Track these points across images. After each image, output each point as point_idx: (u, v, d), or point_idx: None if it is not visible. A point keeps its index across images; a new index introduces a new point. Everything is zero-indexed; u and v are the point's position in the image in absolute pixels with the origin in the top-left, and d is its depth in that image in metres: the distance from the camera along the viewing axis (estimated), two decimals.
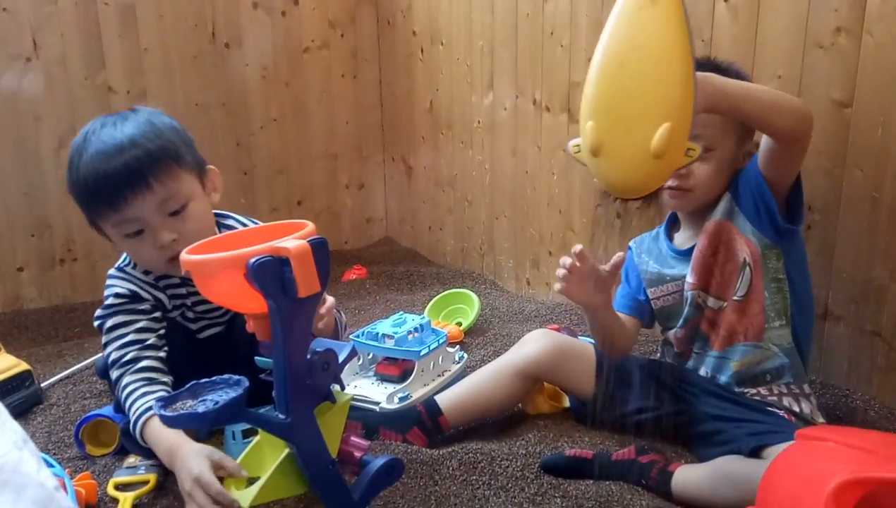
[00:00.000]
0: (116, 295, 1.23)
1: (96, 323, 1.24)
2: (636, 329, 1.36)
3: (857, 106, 1.26)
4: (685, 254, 1.26)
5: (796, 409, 1.17)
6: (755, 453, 1.04)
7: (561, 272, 1.23)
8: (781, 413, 1.14)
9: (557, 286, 1.24)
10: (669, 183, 1.18)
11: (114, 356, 1.18)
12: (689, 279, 1.23)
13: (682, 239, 1.30)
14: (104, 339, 1.22)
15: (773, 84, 1.34)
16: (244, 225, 1.33)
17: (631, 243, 1.38)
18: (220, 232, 1.29)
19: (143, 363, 1.17)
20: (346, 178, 2.58)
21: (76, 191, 1.17)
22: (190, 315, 1.29)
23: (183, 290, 1.27)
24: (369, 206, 2.66)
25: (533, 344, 1.33)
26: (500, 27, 1.97)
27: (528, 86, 1.92)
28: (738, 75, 1.21)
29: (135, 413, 1.12)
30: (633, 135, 0.91)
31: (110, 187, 1.12)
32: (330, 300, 1.19)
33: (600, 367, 1.30)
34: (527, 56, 1.90)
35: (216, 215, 1.30)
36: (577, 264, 1.22)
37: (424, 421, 1.27)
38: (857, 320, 1.32)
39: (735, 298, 1.20)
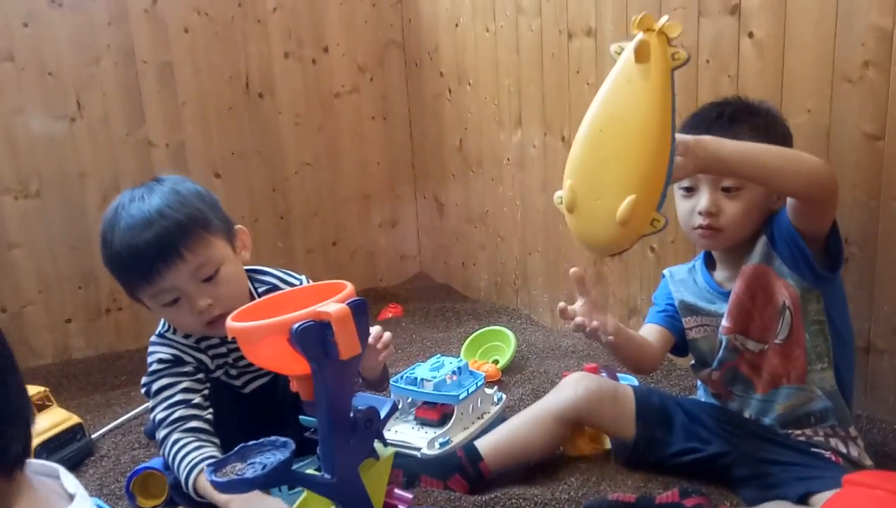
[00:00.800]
0: (160, 361, 1.26)
1: (143, 390, 1.28)
2: (666, 343, 1.33)
3: (890, 138, 1.25)
4: (725, 295, 1.24)
5: (843, 450, 1.15)
6: (803, 499, 1.03)
7: (578, 313, 1.18)
8: (828, 454, 1.12)
9: (576, 324, 1.18)
10: (700, 222, 1.19)
11: (160, 415, 1.21)
12: (725, 323, 1.22)
13: (721, 277, 1.27)
14: (151, 403, 1.25)
15: (802, 118, 1.34)
16: (280, 278, 1.36)
17: (665, 272, 1.37)
18: (256, 287, 1.32)
19: (191, 423, 1.20)
20: (379, 217, 2.62)
21: (111, 266, 1.21)
22: (233, 372, 1.33)
23: (223, 349, 1.30)
24: (403, 244, 2.69)
25: (572, 388, 1.33)
26: (527, 66, 2.00)
27: (556, 123, 1.94)
28: (767, 114, 1.21)
29: (187, 465, 1.15)
30: (603, 200, 0.96)
31: (143, 261, 1.16)
32: (387, 335, 1.21)
33: (641, 409, 1.29)
34: (554, 94, 1.93)
35: (251, 271, 1.33)
36: (581, 296, 1.20)
37: (465, 468, 1.28)
38: None
39: (777, 341, 1.18)
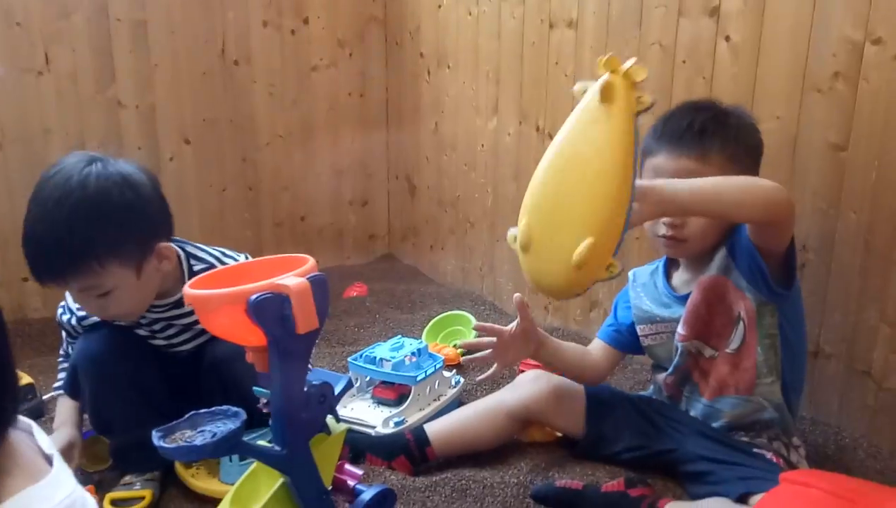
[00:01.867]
0: (70, 317, 1.33)
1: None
2: (613, 359, 1.40)
3: (853, 149, 1.28)
4: (681, 300, 1.26)
5: (784, 453, 1.18)
6: (742, 498, 1.06)
7: (487, 350, 1.31)
8: (769, 455, 1.15)
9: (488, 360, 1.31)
10: (664, 232, 1.21)
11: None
12: (681, 330, 1.24)
13: (679, 281, 1.30)
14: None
15: (771, 124, 1.36)
16: (218, 258, 1.31)
17: (630, 273, 1.39)
18: (192, 265, 1.28)
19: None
20: (349, 195, 2.61)
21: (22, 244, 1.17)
22: (159, 342, 1.33)
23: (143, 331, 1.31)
24: (372, 224, 2.68)
25: (526, 388, 1.35)
26: (507, 53, 2.00)
27: (532, 113, 1.94)
28: (739, 118, 1.22)
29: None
30: (558, 241, 0.93)
31: (33, 269, 1.15)
32: None
33: (591, 408, 1.31)
34: (532, 83, 1.93)
35: (190, 249, 1.30)
36: (496, 338, 1.31)
37: (412, 450, 1.29)
38: (847, 359, 1.34)
39: (728, 350, 1.20)
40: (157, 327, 1.30)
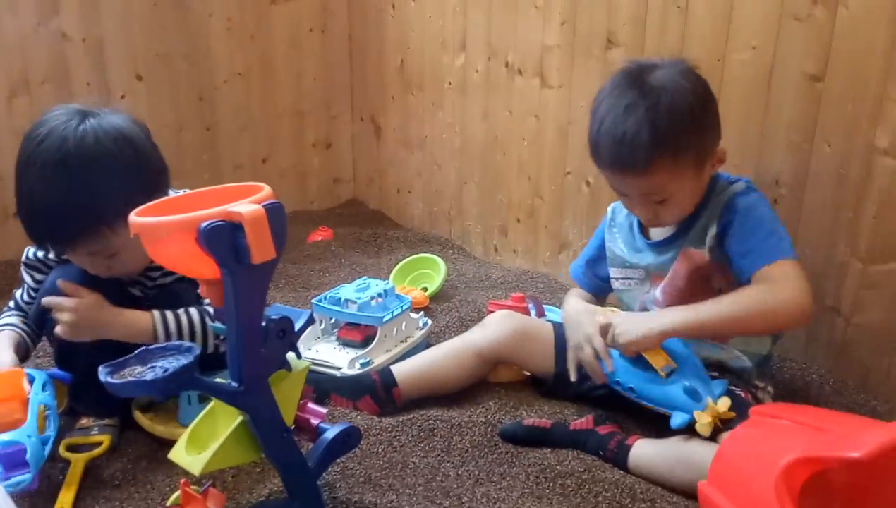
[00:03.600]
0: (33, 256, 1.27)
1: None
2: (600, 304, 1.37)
3: (829, 80, 1.25)
4: (654, 247, 1.24)
5: (752, 391, 1.17)
6: (712, 436, 1.04)
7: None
8: (738, 390, 1.14)
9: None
10: (641, 217, 1.22)
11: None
12: (658, 296, 1.22)
13: (655, 229, 1.26)
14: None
15: (747, 55, 1.32)
16: None
17: (609, 208, 1.35)
18: None
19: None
20: (312, 137, 2.52)
21: (17, 211, 1.13)
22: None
23: None
24: (336, 166, 2.61)
25: (495, 327, 1.33)
26: None
27: (501, 49, 1.88)
28: (671, 95, 1.10)
29: None
30: None
31: (36, 236, 1.12)
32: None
33: (560, 348, 1.29)
34: (501, 16, 1.86)
35: None
36: None
37: (378, 391, 1.26)
38: (817, 295, 1.32)
39: None
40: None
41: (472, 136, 2.05)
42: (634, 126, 1.09)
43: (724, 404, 1.03)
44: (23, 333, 1.25)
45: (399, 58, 2.26)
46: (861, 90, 1.21)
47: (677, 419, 1.06)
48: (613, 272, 1.31)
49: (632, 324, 1.12)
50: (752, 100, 1.32)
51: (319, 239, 2.26)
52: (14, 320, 1.27)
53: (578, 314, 1.25)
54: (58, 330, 1.12)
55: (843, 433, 0.81)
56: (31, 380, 1.10)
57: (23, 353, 1.23)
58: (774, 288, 1.06)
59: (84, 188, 1.06)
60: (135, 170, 1.11)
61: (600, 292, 1.37)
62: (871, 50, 1.19)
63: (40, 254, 1.25)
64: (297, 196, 2.52)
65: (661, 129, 1.08)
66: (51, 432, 1.07)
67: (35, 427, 1.03)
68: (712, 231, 1.16)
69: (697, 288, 1.18)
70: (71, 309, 1.11)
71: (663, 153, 1.09)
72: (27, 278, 1.28)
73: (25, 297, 1.29)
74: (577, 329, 1.23)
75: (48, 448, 1.05)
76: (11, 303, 1.30)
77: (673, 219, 1.18)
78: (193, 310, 1.18)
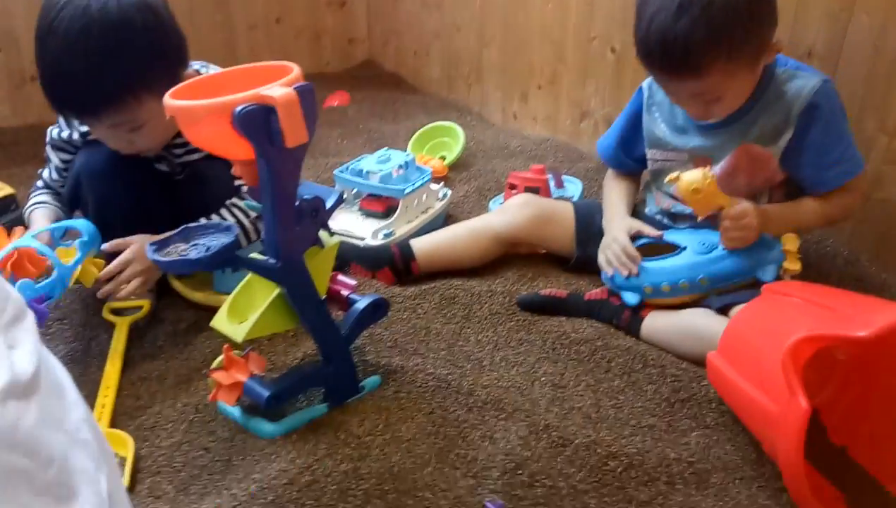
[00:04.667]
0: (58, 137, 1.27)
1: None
2: (636, 186, 1.36)
3: None
4: (703, 129, 1.20)
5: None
6: (723, 310, 1.09)
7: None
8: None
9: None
10: (689, 113, 1.18)
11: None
12: None
13: None
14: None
15: None
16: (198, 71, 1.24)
17: (645, 83, 1.29)
18: None
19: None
20: None
21: (39, 79, 1.11)
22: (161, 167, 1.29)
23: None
24: (352, 26, 2.53)
25: (516, 211, 1.34)
26: None
27: None
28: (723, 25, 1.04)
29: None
30: None
31: (60, 106, 1.12)
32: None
33: (581, 230, 1.31)
34: None
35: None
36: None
37: (396, 263, 1.31)
38: None
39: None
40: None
41: None
42: (687, 26, 1.03)
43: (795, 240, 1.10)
44: (55, 207, 1.29)
45: None
46: None
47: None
48: (651, 153, 1.27)
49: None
50: None
51: (336, 104, 2.24)
52: (45, 197, 1.30)
53: (611, 216, 1.27)
54: (124, 293, 1.15)
55: (851, 313, 0.85)
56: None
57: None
58: (853, 199, 1.17)
59: (109, 54, 1.05)
60: (158, 37, 1.11)
61: (634, 172, 1.35)
62: None
63: (64, 134, 1.26)
64: (311, 57, 2.48)
65: (715, 30, 1.02)
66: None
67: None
68: (787, 133, 1.13)
69: (753, 179, 1.17)
70: (127, 279, 1.14)
71: (717, 55, 1.04)
72: (54, 158, 1.29)
73: (54, 176, 1.31)
74: (607, 230, 1.25)
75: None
76: (39, 183, 1.33)
77: (724, 114, 1.15)
78: (227, 214, 1.22)
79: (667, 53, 1.06)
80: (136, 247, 1.15)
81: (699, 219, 1.14)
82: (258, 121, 0.77)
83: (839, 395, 0.95)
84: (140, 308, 1.22)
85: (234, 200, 1.23)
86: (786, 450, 0.77)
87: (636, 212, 1.33)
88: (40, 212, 1.26)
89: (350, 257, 1.31)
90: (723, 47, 1.04)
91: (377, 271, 1.30)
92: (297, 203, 0.86)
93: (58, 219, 1.26)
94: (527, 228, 1.33)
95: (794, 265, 1.10)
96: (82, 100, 1.09)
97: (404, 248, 1.32)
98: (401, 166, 1.48)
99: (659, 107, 1.26)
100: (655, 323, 1.15)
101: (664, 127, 1.25)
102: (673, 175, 1.12)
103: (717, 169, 1.19)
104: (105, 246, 1.16)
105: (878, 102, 1.26)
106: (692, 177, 1.09)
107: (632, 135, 1.31)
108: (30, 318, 0.48)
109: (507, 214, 1.35)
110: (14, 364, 0.44)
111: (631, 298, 1.17)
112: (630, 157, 1.33)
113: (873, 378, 0.91)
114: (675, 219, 1.27)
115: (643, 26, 1.08)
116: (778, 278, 1.10)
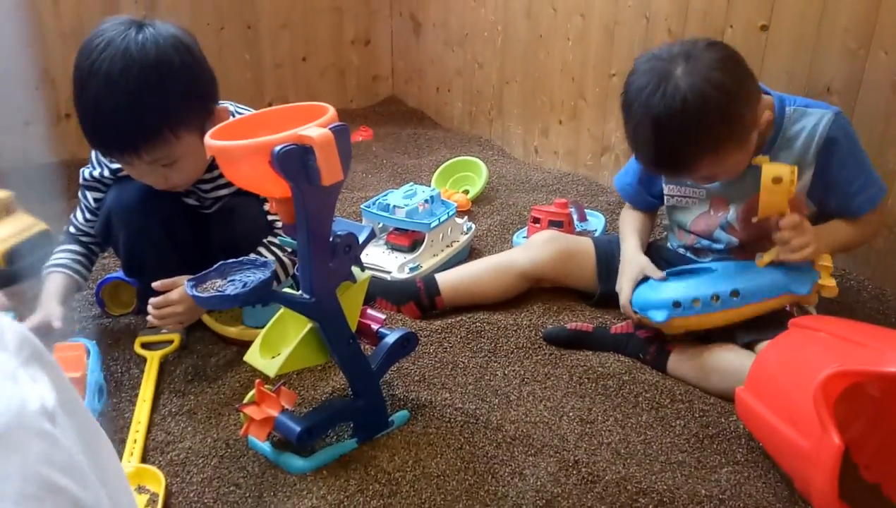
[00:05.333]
0: (90, 175, 1.30)
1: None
2: (653, 221, 1.37)
3: None
4: None
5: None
6: (749, 345, 1.09)
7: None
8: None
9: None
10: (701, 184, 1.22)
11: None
12: (736, 226, 1.22)
13: None
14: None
15: None
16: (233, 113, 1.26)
17: None
18: None
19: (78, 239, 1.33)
20: (352, 33, 2.49)
21: (77, 112, 1.14)
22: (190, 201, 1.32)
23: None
24: (375, 64, 2.59)
25: (540, 249, 1.35)
26: None
27: None
28: (703, 101, 1.04)
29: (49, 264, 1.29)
30: None
31: (101, 144, 1.16)
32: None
33: (602, 266, 1.33)
34: None
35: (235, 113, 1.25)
36: None
37: (421, 298, 1.32)
38: None
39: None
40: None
41: (515, 34, 2.02)
42: (669, 139, 1.06)
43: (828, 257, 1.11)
44: (72, 272, 1.29)
45: None
46: None
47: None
48: (669, 190, 1.29)
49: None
50: (809, 3, 1.28)
51: (360, 139, 2.28)
52: (65, 258, 1.30)
53: (624, 260, 1.28)
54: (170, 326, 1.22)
55: (879, 347, 0.84)
56: (87, 353, 1.15)
57: (72, 294, 1.29)
58: (881, 217, 1.21)
59: (149, 92, 1.09)
60: (193, 75, 1.15)
61: (651, 208, 1.36)
62: None
63: (96, 172, 1.28)
64: (336, 94, 2.53)
65: (696, 138, 1.06)
66: (97, 405, 1.10)
67: (93, 404, 1.08)
68: (809, 171, 1.15)
69: (774, 219, 1.16)
70: (171, 315, 1.19)
71: (703, 154, 1.08)
72: (85, 199, 1.31)
73: (87, 216, 1.32)
74: (620, 273, 1.26)
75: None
76: (71, 229, 1.33)
77: (729, 177, 1.17)
78: (266, 252, 1.25)
79: (655, 164, 1.14)
80: (183, 289, 1.17)
81: (754, 221, 1.14)
82: (296, 161, 0.80)
83: (870, 431, 0.95)
84: (171, 342, 1.23)
85: (271, 238, 1.26)
86: (820, 487, 0.76)
87: (658, 246, 1.34)
88: (53, 281, 1.26)
89: (375, 291, 1.33)
90: (707, 147, 1.07)
91: (402, 306, 1.32)
92: (331, 239, 0.88)
93: (71, 286, 1.28)
94: (551, 265, 1.34)
95: (828, 282, 1.10)
96: (124, 138, 1.12)
97: (429, 283, 1.34)
98: (426, 201, 1.50)
99: None
100: (682, 358, 1.15)
101: None
102: (761, 156, 1.11)
103: (743, 206, 1.20)
104: (155, 284, 1.19)
105: None
106: (778, 166, 1.07)
107: (650, 174, 1.32)
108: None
109: (531, 251, 1.37)
110: (43, 396, 0.46)
111: (658, 315, 1.13)
112: (650, 194, 1.34)
113: None
114: (699, 253, 1.28)
115: (629, 128, 1.13)
116: (812, 293, 1.11)
